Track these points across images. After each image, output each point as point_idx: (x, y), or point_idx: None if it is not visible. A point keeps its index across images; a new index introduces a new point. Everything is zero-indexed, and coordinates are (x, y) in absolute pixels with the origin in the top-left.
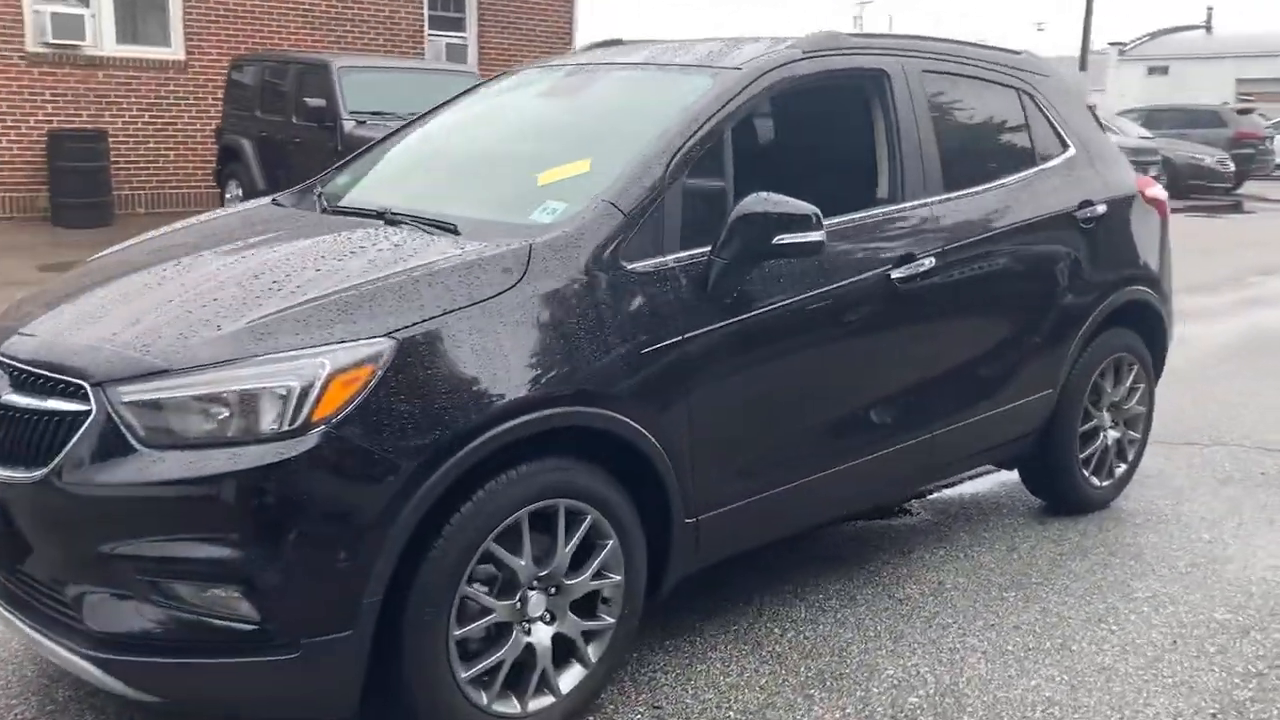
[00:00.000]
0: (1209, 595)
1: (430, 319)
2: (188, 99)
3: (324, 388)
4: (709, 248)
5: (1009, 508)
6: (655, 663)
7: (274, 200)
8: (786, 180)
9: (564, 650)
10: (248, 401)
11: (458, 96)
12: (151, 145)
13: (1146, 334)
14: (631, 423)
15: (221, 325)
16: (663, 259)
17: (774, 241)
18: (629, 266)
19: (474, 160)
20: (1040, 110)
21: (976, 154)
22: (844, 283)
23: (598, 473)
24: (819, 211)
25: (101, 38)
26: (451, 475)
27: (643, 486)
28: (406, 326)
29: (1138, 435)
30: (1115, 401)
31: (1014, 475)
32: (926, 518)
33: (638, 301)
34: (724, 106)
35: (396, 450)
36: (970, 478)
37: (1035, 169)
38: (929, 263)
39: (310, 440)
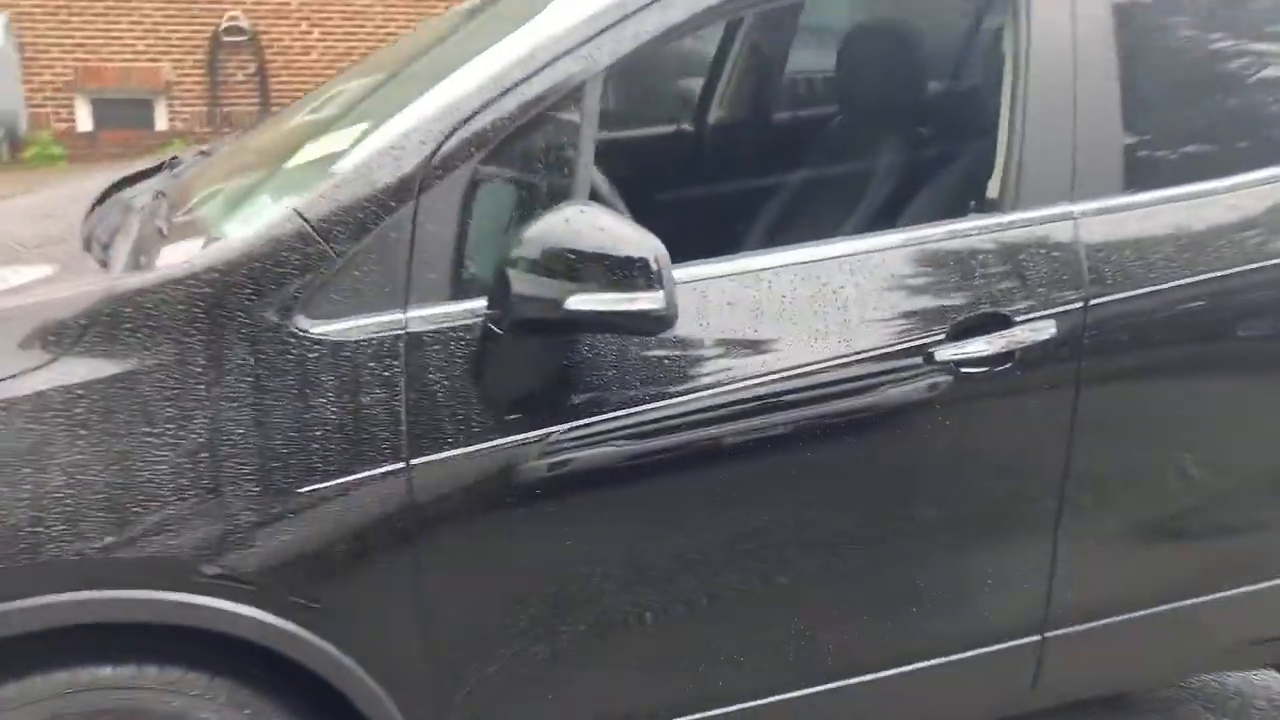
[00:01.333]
0: None
1: None
2: None
3: None
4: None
5: None
6: None
7: (166, 162)
8: (739, 176)
9: None
10: None
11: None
12: None
13: None
14: (256, 614)
15: None
16: (397, 317)
17: (564, 307)
18: (314, 331)
19: (326, 124)
20: None
21: (1216, 126)
22: (802, 371)
23: (217, 686)
24: (661, 252)
25: None
26: None
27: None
28: None
29: None
30: None
31: None
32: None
33: (320, 396)
34: (596, 35)
35: None
36: None
37: None
38: (1043, 332)
39: None
